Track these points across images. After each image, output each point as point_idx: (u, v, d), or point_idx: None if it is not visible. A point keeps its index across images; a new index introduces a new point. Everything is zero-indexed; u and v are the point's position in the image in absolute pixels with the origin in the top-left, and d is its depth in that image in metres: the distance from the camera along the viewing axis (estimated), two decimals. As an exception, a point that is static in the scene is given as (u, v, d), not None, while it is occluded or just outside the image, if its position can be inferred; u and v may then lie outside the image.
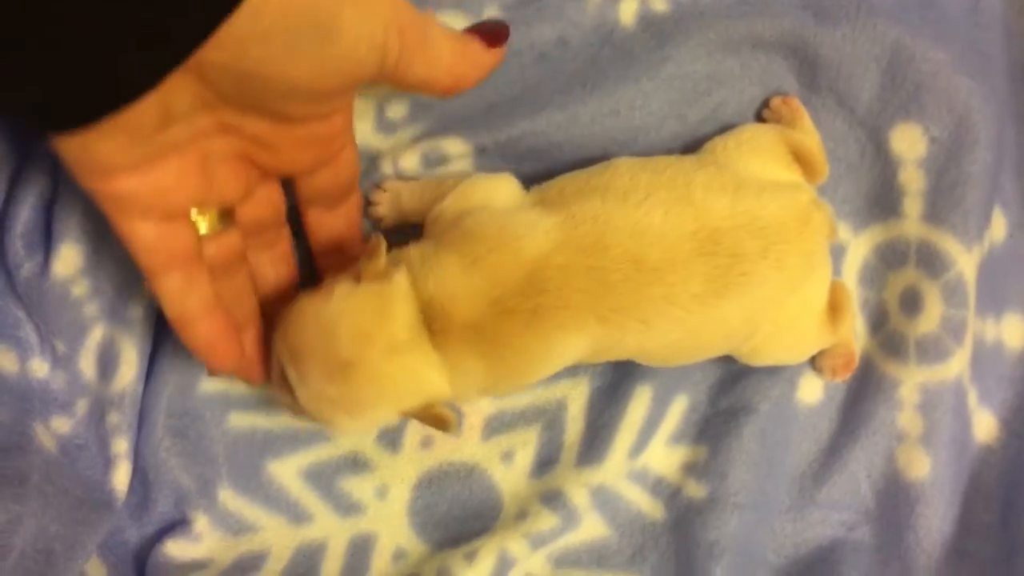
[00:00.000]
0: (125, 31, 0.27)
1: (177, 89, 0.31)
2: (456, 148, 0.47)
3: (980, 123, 0.49)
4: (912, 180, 0.49)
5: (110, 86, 0.29)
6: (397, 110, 0.47)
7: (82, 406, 0.46)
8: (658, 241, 0.40)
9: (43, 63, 0.28)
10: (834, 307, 0.47)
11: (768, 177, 0.44)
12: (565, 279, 0.39)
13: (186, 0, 0.28)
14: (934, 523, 0.48)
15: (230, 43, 0.29)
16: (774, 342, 0.45)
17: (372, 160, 0.48)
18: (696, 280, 0.40)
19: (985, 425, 0.51)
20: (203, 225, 0.38)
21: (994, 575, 0.48)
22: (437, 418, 0.40)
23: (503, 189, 0.44)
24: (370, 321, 0.39)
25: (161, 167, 0.34)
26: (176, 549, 0.47)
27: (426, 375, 0.40)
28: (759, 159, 0.45)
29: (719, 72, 0.48)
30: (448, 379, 0.40)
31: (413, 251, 0.41)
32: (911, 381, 0.49)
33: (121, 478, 0.46)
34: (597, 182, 0.42)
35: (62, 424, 0.45)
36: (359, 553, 0.49)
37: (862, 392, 0.50)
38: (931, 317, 0.49)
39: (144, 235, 0.35)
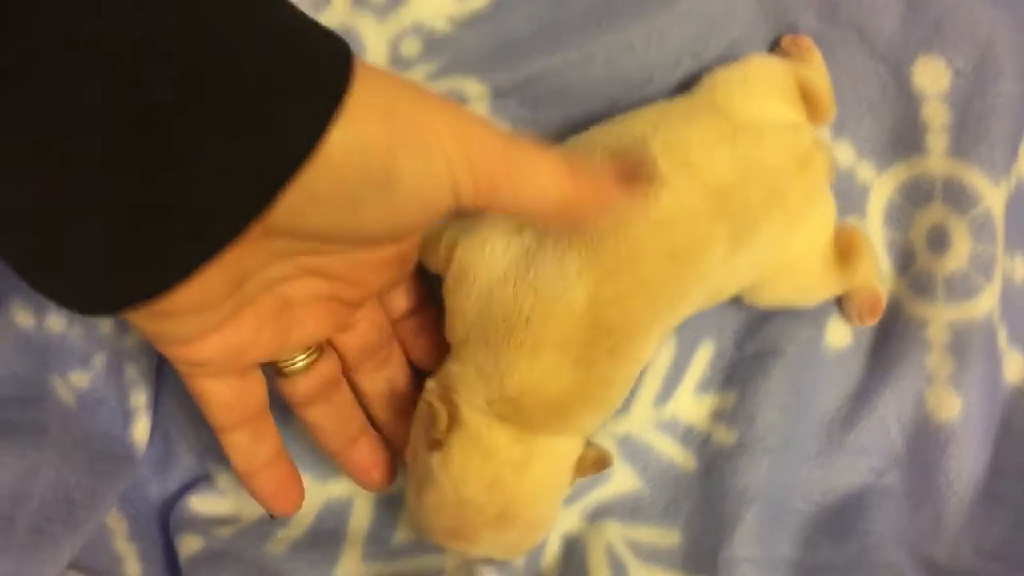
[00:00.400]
0: (172, 210, 0.26)
1: (243, 251, 0.29)
2: (473, 89, 0.46)
3: (1005, 54, 0.47)
4: (936, 115, 0.48)
5: (160, 266, 0.27)
6: (411, 47, 0.46)
7: (100, 360, 0.45)
8: (680, 224, 0.39)
9: (87, 243, 0.26)
10: (847, 251, 0.46)
11: (769, 116, 0.43)
12: (624, 314, 0.38)
13: (237, 176, 0.26)
14: (965, 465, 0.47)
15: (288, 212, 0.27)
16: (779, 283, 0.44)
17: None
18: (720, 245, 0.40)
19: (1015, 365, 0.50)
20: (290, 367, 0.38)
21: None
22: (596, 462, 0.41)
23: (495, 247, 0.39)
24: (482, 468, 0.38)
25: (236, 326, 0.33)
26: (201, 504, 0.46)
27: (559, 458, 0.40)
28: (762, 95, 0.44)
29: (735, 8, 0.47)
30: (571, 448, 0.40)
31: (455, 374, 0.39)
32: (939, 320, 0.48)
33: (141, 431, 0.46)
34: None
35: (80, 378, 0.45)
36: (386, 509, 0.48)
37: (890, 335, 0.49)
38: (959, 254, 0.48)
39: (218, 394, 0.35)
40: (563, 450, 0.40)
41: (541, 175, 0.32)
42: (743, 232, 0.40)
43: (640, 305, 0.38)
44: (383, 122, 0.28)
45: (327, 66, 0.27)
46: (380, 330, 0.42)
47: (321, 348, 0.39)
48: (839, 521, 0.47)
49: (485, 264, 0.39)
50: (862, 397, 0.49)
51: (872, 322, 0.49)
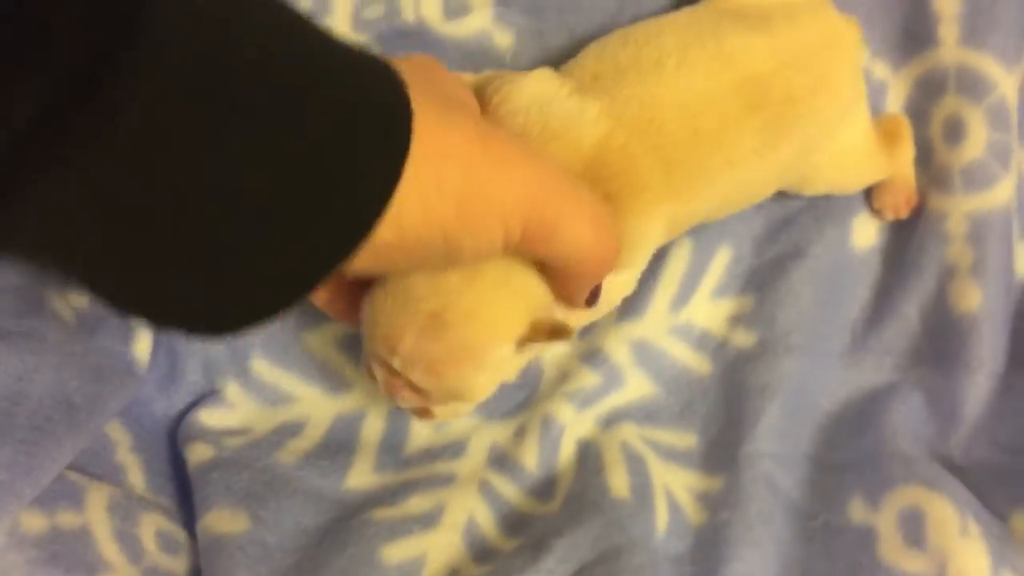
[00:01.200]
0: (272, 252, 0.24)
1: None
2: None
3: None
4: (947, 4, 0.47)
5: (245, 309, 0.26)
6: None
7: None
8: (708, 107, 0.38)
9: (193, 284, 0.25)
10: (891, 136, 0.45)
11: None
12: (630, 163, 0.37)
13: (323, 230, 0.25)
14: (986, 354, 0.46)
15: (366, 256, 0.27)
16: (827, 172, 0.43)
17: (393, 6, 0.45)
18: (752, 137, 0.38)
19: None
20: None
21: None
22: (554, 329, 0.35)
23: (544, 84, 0.39)
24: None
25: None
26: (209, 417, 0.44)
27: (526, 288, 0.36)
28: None
29: None
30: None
31: None
32: (958, 212, 0.47)
33: (142, 348, 0.44)
34: (625, 58, 0.39)
35: (79, 299, 0.43)
36: (398, 420, 0.46)
37: (911, 231, 0.48)
38: (976, 143, 0.46)
39: None
40: (531, 291, 0.36)
41: (581, 237, 0.32)
42: (781, 125, 0.39)
43: (649, 162, 0.37)
44: (455, 207, 0.28)
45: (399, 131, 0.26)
46: None
47: None
48: (861, 418, 0.46)
49: (513, 97, 0.38)
50: (885, 295, 0.48)
51: (906, 214, 0.48)
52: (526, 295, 0.35)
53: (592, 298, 0.36)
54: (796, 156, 0.41)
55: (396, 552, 0.40)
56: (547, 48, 0.47)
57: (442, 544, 0.41)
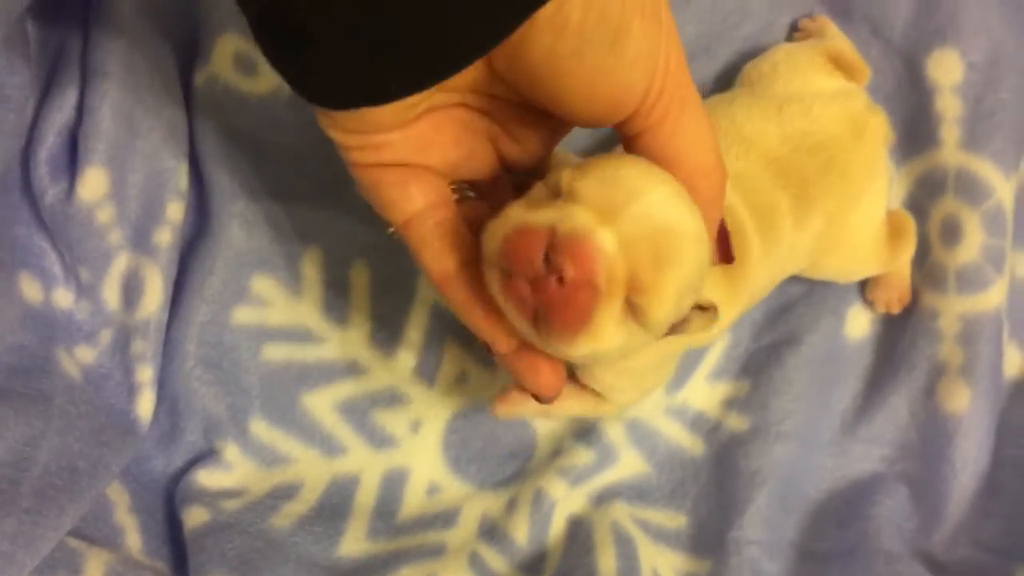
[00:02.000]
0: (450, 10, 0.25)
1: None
2: None
3: (1016, 50, 0.47)
4: (949, 107, 0.48)
5: (430, 61, 0.26)
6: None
7: (106, 336, 0.44)
8: (751, 183, 0.38)
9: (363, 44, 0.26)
10: (897, 232, 0.46)
11: (813, 90, 0.43)
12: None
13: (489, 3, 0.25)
14: (971, 455, 0.46)
15: (528, 29, 0.26)
16: (833, 257, 0.44)
17: None
18: (787, 214, 0.39)
19: (1014, 360, 0.49)
20: (463, 195, 0.34)
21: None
22: (702, 307, 0.32)
23: None
24: None
25: (423, 125, 0.31)
26: (207, 478, 0.45)
27: None
28: (799, 75, 0.43)
29: (749, 4, 0.47)
30: None
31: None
32: (951, 312, 0.47)
33: (145, 406, 0.44)
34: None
35: (86, 353, 0.43)
36: (392, 486, 0.47)
37: (904, 326, 0.49)
38: (971, 246, 0.47)
39: (407, 195, 0.31)
40: None
41: (699, 139, 0.30)
42: (803, 204, 0.40)
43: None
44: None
45: None
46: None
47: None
48: (846, 509, 0.47)
49: None
50: (876, 387, 0.48)
51: (897, 310, 0.48)
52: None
53: (725, 254, 0.33)
54: (814, 239, 0.41)
55: None
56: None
57: None
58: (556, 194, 0.29)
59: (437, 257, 0.31)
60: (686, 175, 0.30)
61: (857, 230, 0.43)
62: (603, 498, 0.47)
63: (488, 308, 0.30)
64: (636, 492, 0.47)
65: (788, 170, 0.39)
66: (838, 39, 0.46)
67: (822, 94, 0.42)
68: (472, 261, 0.31)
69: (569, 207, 0.28)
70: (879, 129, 0.42)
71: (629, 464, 0.47)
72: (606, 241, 0.27)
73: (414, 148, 0.30)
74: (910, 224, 0.46)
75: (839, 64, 0.44)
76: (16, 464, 0.37)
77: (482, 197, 0.34)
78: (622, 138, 0.30)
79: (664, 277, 0.28)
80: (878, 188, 0.43)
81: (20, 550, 0.35)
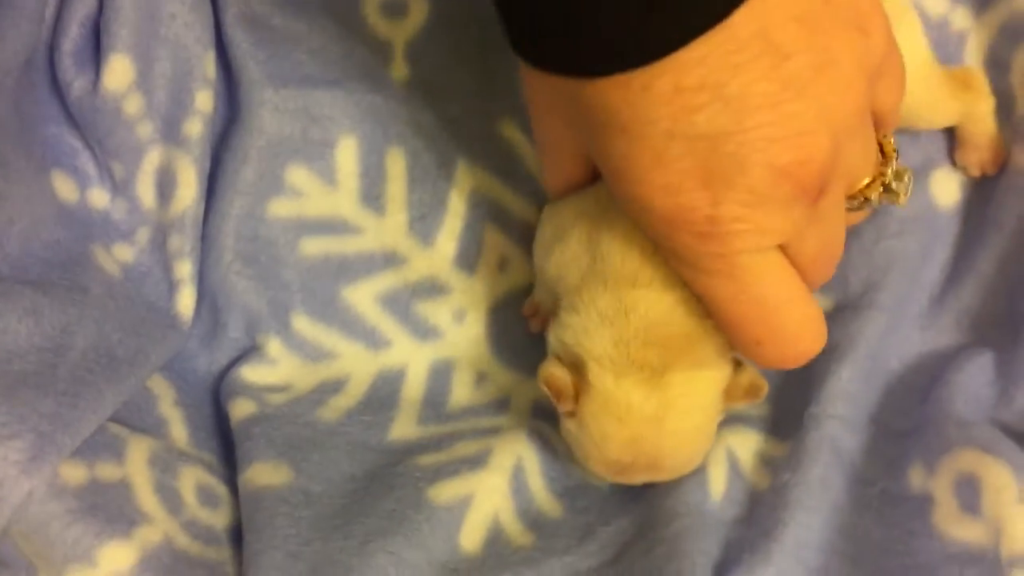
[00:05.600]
0: None
1: None
2: None
3: None
4: None
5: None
6: None
7: (144, 234, 0.41)
8: None
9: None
10: (964, 84, 0.41)
11: None
12: None
13: None
14: None
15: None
16: None
17: None
18: None
19: None
20: None
21: None
22: (748, 389, 0.36)
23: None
24: (619, 430, 0.35)
25: None
26: (252, 373, 0.42)
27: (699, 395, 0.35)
28: None
29: None
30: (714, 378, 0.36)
31: (575, 324, 0.35)
32: None
33: (186, 301, 0.41)
34: None
35: (124, 252, 0.41)
36: (439, 378, 0.44)
37: (992, 187, 0.43)
38: None
39: None
40: (704, 384, 0.35)
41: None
42: None
43: None
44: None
45: None
46: None
47: None
48: (928, 382, 0.41)
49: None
50: (965, 253, 0.43)
51: (994, 171, 0.43)
52: (714, 388, 0.35)
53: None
54: None
55: (443, 492, 0.38)
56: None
57: (489, 486, 0.38)
58: None
59: None
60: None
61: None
62: None
63: None
64: None
65: None
66: None
67: None
68: None
69: None
70: None
71: None
72: None
73: None
74: (978, 75, 0.41)
75: None
76: (53, 350, 0.35)
77: None
78: None
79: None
80: (909, 20, 0.39)
81: (59, 431, 0.33)
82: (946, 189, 0.44)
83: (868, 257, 0.42)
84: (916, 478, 0.38)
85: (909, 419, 0.41)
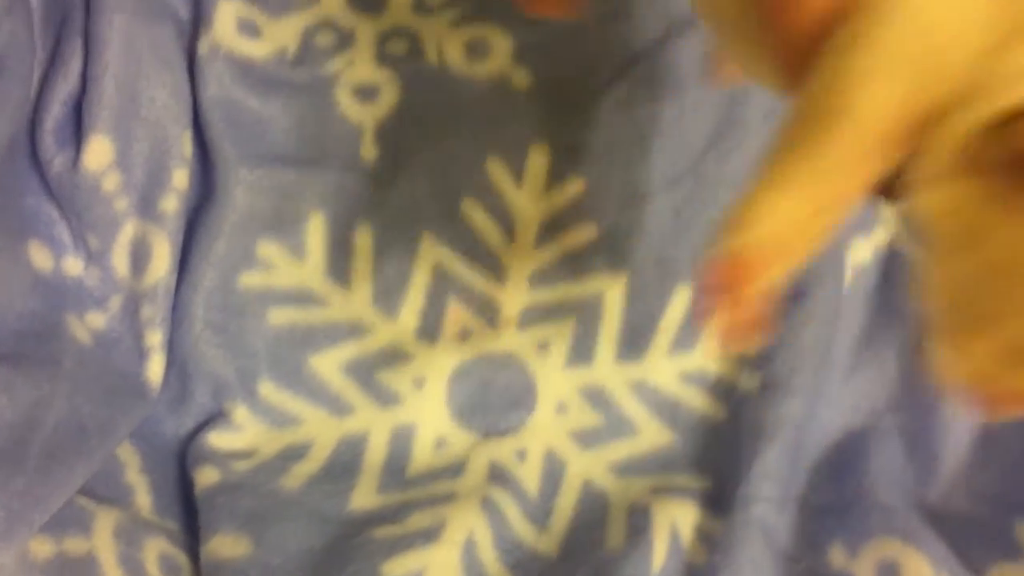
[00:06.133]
0: None
1: None
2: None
3: None
4: None
5: None
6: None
7: (116, 302, 0.43)
8: None
9: None
10: None
11: None
12: None
13: None
14: (960, 408, 0.44)
15: None
16: None
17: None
18: None
19: None
20: None
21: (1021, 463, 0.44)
22: None
23: None
24: None
25: None
26: (218, 439, 0.43)
27: None
28: None
29: None
30: None
31: None
32: None
33: (155, 369, 0.43)
34: None
35: (97, 319, 0.42)
36: (400, 442, 0.45)
37: (893, 277, 0.46)
38: None
39: None
40: None
41: None
42: None
43: None
44: None
45: None
46: None
47: None
48: (843, 461, 0.45)
49: None
50: (870, 338, 0.46)
51: None
52: None
53: None
54: None
55: (397, 568, 0.39)
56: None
57: (441, 561, 0.40)
58: None
59: None
60: None
61: None
62: (625, 471, 0.45)
63: None
64: (660, 463, 0.45)
65: None
66: None
67: None
68: None
69: None
70: None
71: (651, 436, 0.45)
72: None
73: None
74: None
75: None
76: (25, 425, 0.36)
77: None
78: None
79: None
80: None
81: (29, 508, 0.34)
82: (857, 278, 0.46)
83: (793, 339, 0.45)
84: (838, 558, 0.41)
85: (831, 498, 0.43)
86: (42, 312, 0.41)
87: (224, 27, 0.45)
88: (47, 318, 0.41)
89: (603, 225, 0.46)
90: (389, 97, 0.46)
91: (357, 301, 0.46)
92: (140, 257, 0.43)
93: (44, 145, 0.41)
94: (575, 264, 0.46)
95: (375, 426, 0.45)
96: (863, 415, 0.46)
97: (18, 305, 0.40)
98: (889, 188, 0.25)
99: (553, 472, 0.44)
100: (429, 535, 0.40)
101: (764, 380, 0.45)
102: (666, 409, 0.46)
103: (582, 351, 0.46)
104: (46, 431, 0.37)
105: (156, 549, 0.39)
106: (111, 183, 0.42)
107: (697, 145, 0.47)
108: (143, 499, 0.41)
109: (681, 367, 0.46)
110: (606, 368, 0.46)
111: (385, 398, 0.46)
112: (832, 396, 0.46)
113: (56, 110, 0.41)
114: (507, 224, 0.46)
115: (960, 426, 0.44)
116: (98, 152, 0.41)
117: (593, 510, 0.43)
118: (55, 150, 0.41)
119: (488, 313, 0.46)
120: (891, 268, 0.46)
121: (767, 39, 0.26)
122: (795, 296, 0.46)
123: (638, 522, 0.42)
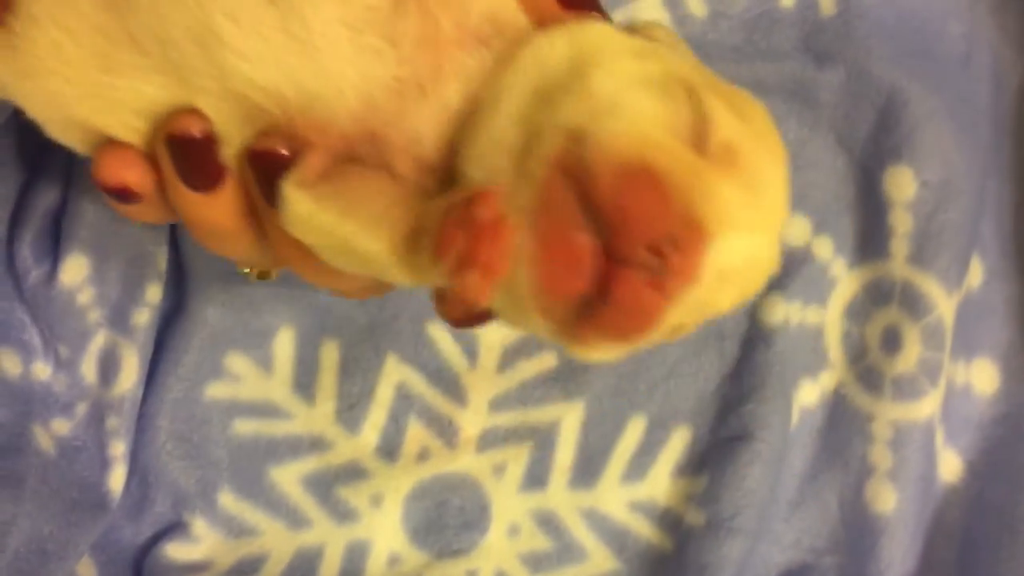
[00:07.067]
0: None
1: None
2: None
3: (966, 172, 0.47)
4: (900, 222, 0.48)
5: None
6: None
7: (82, 409, 0.43)
8: None
9: None
10: None
11: None
12: None
13: None
14: (896, 556, 0.47)
15: None
16: None
17: None
18: None
19: (950, 464, 0.49)
20: None
21: None
22: None
23: None
24: None
25: None
26: (175, 551, 0.44)
27: None
28: None
29: None
30: None
31: None
32: (884, 417, 0.47)
33: (117, 479, 0.43)
34: None
35: (61, 426, 0.43)
36: (355, 558, 0.47)
37: (839, 422, 0.49)
38: (909, 358, 0.47)
39: None
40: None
41: None
42: None
43: None
44: None
45: None
46: None
47: None
48: None
49: None
50: (812, 480, 0.49)
51: None
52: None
53: None
54: None
55: None
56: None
57: None
58: (698, 136, 0.22)
59: None
60: None
61: None
62: None
63: None
64: None
65: None
66: None
67: None
68: None
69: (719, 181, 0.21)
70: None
71: (599, 563, 0.47)
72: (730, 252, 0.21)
73: None
74: None
75: None
76: None
77: None
78: None
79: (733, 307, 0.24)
80: None
81: None
82: (803, 420, 0.49)
83: (739, 480, 0.47)
84: None
85: None
86: (9, 423, 0.41)
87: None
88: (13, 430, 0.41)
89: (562, 354, 0.48)
90: None
91: (320, 416, 0.47)
92: (109, 368, 0.43)
93: (21, 256, 0.41)
94: (534, 390, 0.48)
95: (331, 541, 0.46)
96: (803, 552, 0.48)
97: (-15, 417, 0.40)
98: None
99: None
100: None
101: (709, 518, 0.47)
102: (615, 537, 0.47)
103: (537, 475, 0.48)
104: (8, 556, 0.38)
105: None
106: (85, 296, 0.42)
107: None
108: (99, 616, 0.41)
109: (632, 496, 0.48)
110: (559, 494, 0.47)
111: (342, 514, 0.47)
112: (775, 532, 0.48)
113: (35, 223, 0.42)
114: (471, 348, 0.48)
115: (897, 571, 0.47)
116: (74, 270, 0.42)
117: None
118: (32, 263, 0.41)
119: (448, 434, 0.47)
120: (836, 411, 0.49)
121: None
122: (741, 437, 0.48)
123: None
